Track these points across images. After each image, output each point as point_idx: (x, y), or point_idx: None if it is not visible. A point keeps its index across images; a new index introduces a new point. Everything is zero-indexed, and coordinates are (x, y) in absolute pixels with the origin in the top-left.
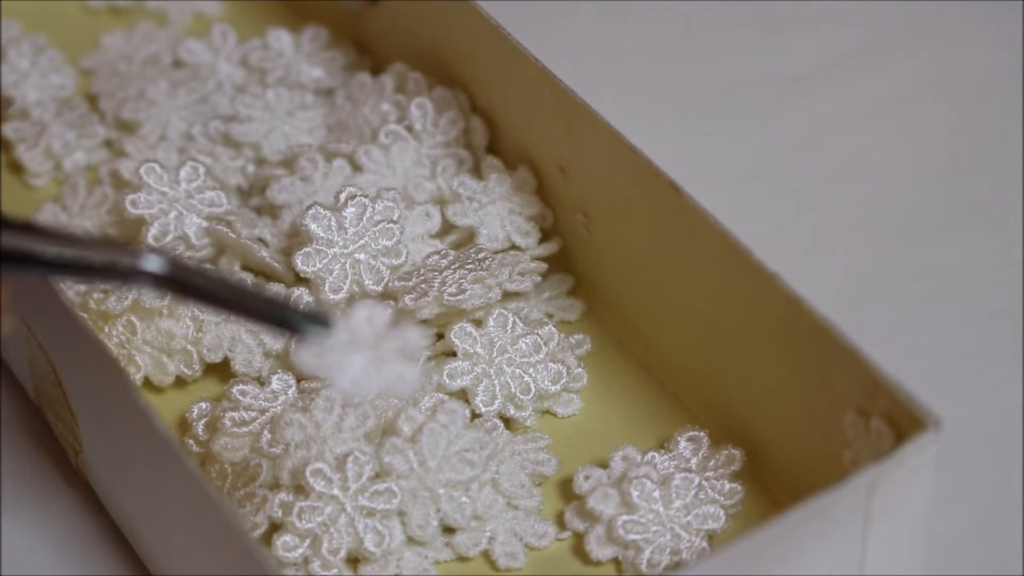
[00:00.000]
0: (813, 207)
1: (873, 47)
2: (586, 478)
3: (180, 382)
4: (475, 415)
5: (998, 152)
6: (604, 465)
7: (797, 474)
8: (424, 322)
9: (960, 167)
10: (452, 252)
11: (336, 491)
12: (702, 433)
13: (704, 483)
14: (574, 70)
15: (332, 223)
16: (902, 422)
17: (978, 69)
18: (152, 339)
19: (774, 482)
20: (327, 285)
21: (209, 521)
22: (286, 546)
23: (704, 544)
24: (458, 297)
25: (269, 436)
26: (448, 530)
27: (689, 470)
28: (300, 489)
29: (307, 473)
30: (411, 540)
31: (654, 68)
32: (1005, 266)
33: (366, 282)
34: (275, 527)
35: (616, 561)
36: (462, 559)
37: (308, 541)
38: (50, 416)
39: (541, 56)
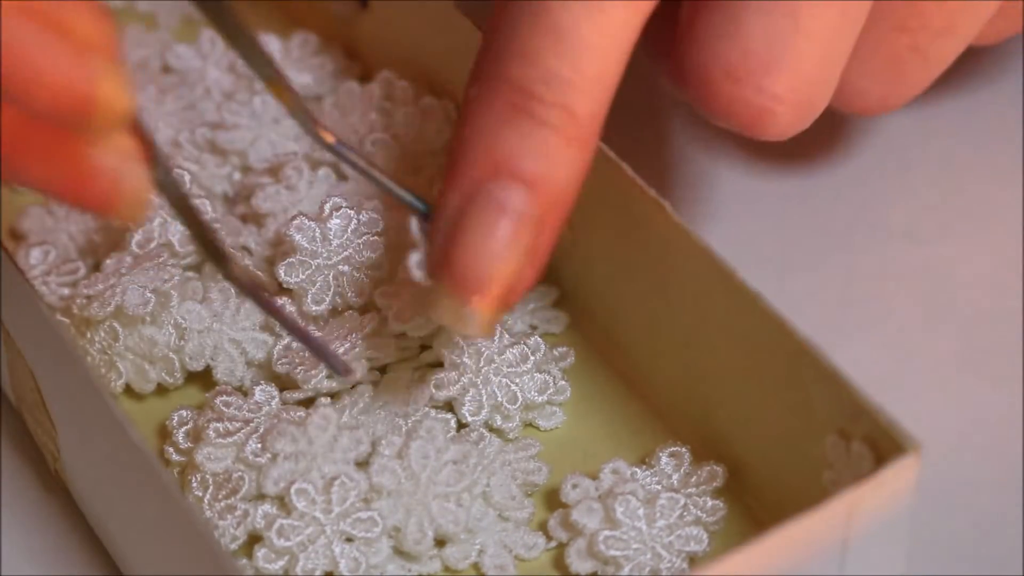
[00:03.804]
0: (813, 207)
1: None
2: (574, 487)
3: (161, 390)
4: (462, 425)
5: (998, 153)
6: (590, 477)
7: (778, 493)
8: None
9: (960, 167)
10: None
11: (318, 513)
12: (684, 449)
13: (688, 503)
14: None
15: (317, 234)
16: (882, 445)
17: (978, 69)
18: (134, 346)
19: (755, 500)
20: (310, 296)
21: (183, 532)
22: (267, 558)
23: (684, 565)
24: None
25: (255, 446)
26: (437, 543)
27: (672, 488)
28: (283, 504)
29: (292, 491)
30: (398, 553)
31: (653, 68)
32: (1005, 266)
33: (349, 294)
34: (255, 539)
35: None
36: (451, 572)
37: (285, 558)
38: (29, 421)
39: None
